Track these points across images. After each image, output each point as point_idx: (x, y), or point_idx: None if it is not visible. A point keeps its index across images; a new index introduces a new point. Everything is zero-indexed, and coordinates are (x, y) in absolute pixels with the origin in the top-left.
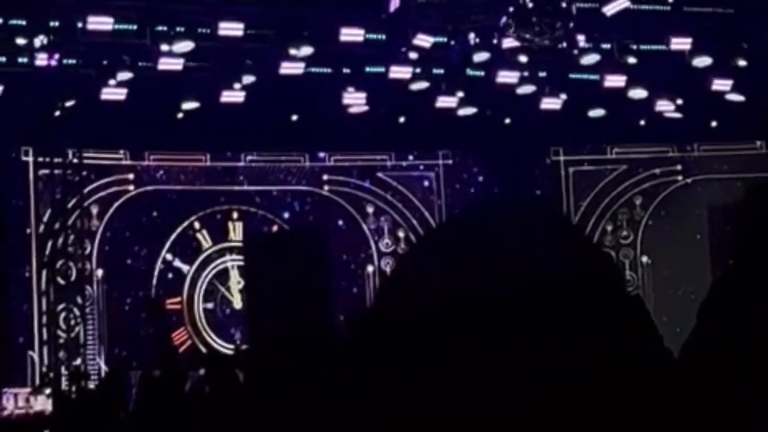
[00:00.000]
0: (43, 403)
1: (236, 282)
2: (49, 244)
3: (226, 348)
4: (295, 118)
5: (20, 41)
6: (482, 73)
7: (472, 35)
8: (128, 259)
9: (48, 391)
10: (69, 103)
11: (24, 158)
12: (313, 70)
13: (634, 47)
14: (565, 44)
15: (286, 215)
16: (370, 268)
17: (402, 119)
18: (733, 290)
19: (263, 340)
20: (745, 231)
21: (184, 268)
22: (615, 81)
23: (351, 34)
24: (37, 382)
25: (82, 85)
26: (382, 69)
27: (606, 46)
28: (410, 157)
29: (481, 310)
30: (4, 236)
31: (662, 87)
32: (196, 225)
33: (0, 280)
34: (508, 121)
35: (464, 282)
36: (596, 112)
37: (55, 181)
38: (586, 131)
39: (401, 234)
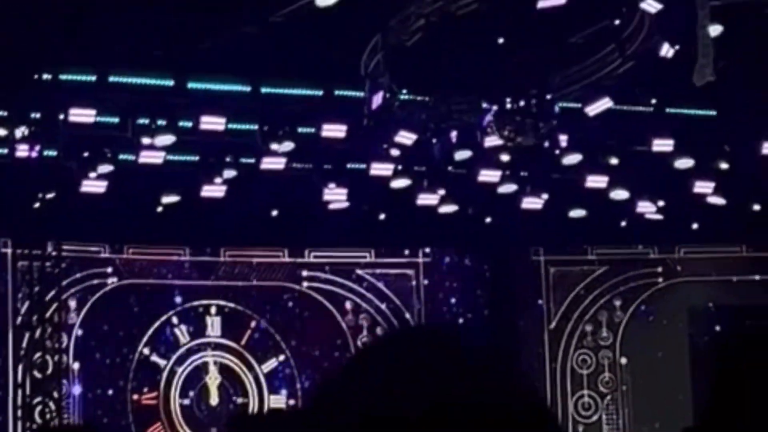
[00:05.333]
0: None
1: (214, 378)
2: (26, 336)
3: None
4: (275, 213)
5: (1, 132)
6: (464, 171)
7: (454, 133)
8: (105, 353)
9: None
10: (49, 195)
11: (3, 250)
12: (295, 165)
13: (616, 148)
14: (547, 144)
15: (266, 312)
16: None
17: (382, 216)
18: None
19: None
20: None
21: (161, 362)
22: (597, 181)
23: (333, 130)
24: None
25: (63, 176)
26: (363, 165)
27: (588, 146)
28: (390, 255)
29: None
30: None
31: (644, 188)
32: (174, 320)
33: None
34: (489, 219)
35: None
36: (577, 213)
37: (33, 273)
38: (567, 231)
39: (380, 332)
